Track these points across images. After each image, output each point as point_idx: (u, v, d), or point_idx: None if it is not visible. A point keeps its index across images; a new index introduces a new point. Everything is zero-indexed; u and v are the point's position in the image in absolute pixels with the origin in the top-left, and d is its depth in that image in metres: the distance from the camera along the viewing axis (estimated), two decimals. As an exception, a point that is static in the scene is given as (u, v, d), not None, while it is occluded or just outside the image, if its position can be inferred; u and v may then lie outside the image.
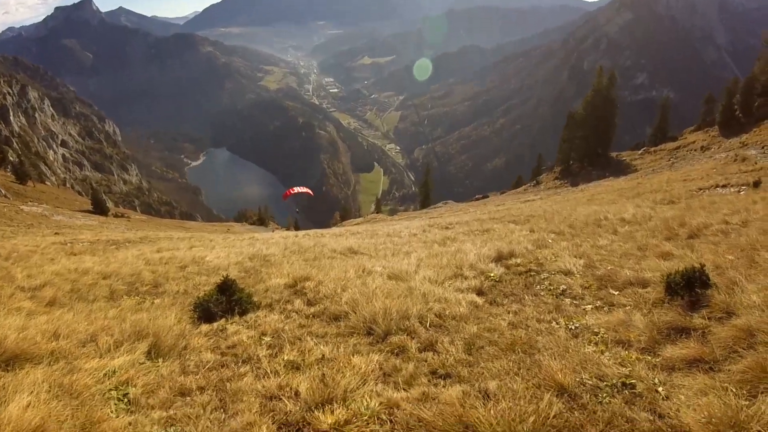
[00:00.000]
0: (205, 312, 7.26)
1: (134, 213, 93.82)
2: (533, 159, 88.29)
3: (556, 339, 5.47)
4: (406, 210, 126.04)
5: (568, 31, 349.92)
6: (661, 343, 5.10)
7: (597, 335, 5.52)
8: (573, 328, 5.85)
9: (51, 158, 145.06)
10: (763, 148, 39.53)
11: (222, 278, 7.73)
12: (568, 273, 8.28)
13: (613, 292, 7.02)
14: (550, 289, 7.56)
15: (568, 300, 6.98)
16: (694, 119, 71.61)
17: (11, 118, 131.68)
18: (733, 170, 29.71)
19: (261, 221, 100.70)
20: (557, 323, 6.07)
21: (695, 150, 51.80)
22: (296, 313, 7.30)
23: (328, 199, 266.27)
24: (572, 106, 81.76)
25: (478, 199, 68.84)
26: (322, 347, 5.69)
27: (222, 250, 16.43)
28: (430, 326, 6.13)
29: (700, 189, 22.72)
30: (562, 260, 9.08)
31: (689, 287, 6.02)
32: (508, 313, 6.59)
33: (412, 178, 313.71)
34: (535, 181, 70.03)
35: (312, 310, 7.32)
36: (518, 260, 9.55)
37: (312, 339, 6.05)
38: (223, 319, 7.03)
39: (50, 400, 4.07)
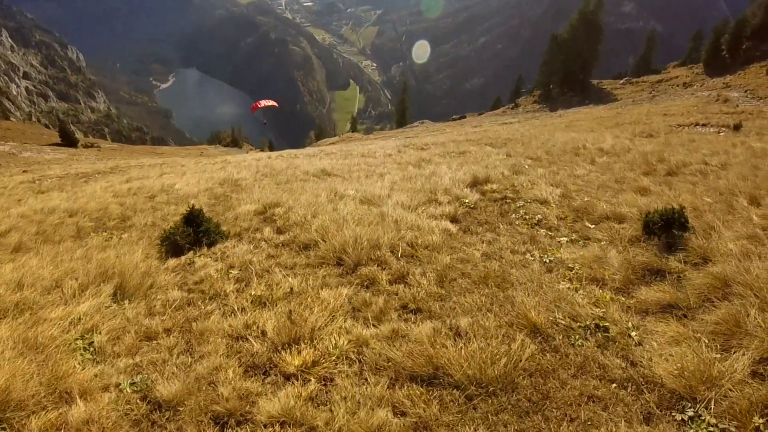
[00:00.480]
0: (172, 245, 6.93)
1: (105, 142, 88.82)
2: (512, 81, 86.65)
3: (530, 273, 5.32)
4: (382, 129, 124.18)
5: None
6: (636, 284, 5.01)
7: (571, 271, 5.40)
8: (547, 261, 5.73)
9: (14, 92, 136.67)
10: (746, 91, 39.40)
11: (188, 209, 7.31)
12: (544, 202, 8.16)
13: (589, 225, 6.91)
14: (525, 219, 7.41)
15: (543, 231, 6.85)
16: (677, 55, 70.82)
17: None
18: (714, 110, 29.55)
19: (235, 143, 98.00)
20: (532, 255, 5.93)
21: (677, 85, 51.51)
22: (265, 242, 7.03)
23: (303, 117, 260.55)
24: (556, 28, 79.35)
25: (455, 120, 67.98)
26: (290, 280, 5.45)
27: (192, 176, 15.82)
28: (401, 256, 5.90)
29: (680, 125, 22.54)
30: (539, 188, 8.95)
31: (667, 228, 5.89)
32: (482, 242, 6.42)
33: (389, 96, 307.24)
34: (513, 104, 69.07)
35: (281, 238, 7.04)
36: (494, 186, 9.35)
37: (280, 271, 5.81)
38: (191, 252, 6.75)
39: (15, 357, 3.86)
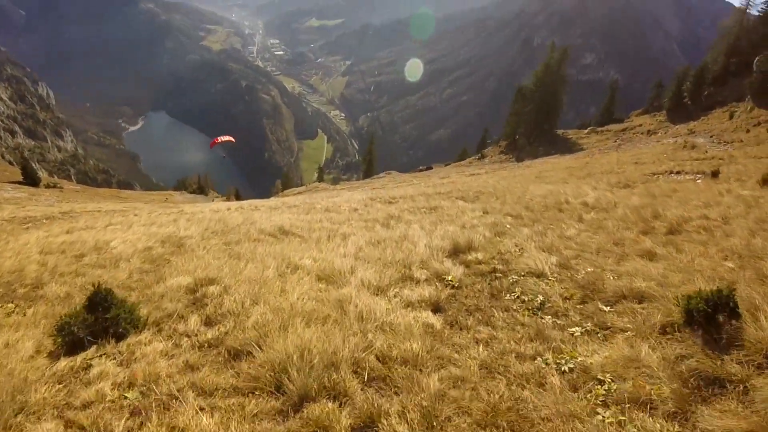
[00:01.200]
0: (69, 337, 5.35)
1: (68, 183, 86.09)
2: (479, 131, 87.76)
3: (552, 397, 3.76)
4: (349, 179, 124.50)
5: (523, 3, 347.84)
6: (692, 402, 3.59)
7: (602, 386, 3.93)
8: (567, 370, 4.25)
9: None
10: (711, 136, 40.05)
11: (92, 290, 5.73)
12: (540, 275, 6.79)
13: (604, 308, 5.51)
14: (523, 301, 5.96)
15: (549, 318, 5.40)
16: (637, 104, 72.90)
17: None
18: (684, 157, 29.46)
19: (201, 189, 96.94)
20: (545, 362, 4.41)
21: (642, 133, 52.57)
22: (188, 338, 5.37)
23: (272, 166, 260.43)
24: (520, 80, 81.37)
25: (421, 171, 67.70)
26: (204, 420, 3.68)
27: (138, 229, 14.24)
28: (369, 379, 4.16)
29: (654, 173, 22.05)
30: (530, 255, 7.57)
31: (713, 315, 4.54)
32: (477, 343, 4.84)
33: (356, 147, 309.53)
34: (480, 155, 69.41)
35: (208, 335, 5.34)
36: (479, 255, 7.89)
37: (194, 399, 4.07)
38: (94, 347, 5.26)
39: None
